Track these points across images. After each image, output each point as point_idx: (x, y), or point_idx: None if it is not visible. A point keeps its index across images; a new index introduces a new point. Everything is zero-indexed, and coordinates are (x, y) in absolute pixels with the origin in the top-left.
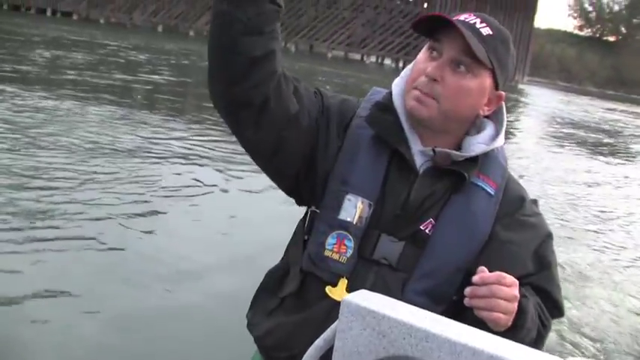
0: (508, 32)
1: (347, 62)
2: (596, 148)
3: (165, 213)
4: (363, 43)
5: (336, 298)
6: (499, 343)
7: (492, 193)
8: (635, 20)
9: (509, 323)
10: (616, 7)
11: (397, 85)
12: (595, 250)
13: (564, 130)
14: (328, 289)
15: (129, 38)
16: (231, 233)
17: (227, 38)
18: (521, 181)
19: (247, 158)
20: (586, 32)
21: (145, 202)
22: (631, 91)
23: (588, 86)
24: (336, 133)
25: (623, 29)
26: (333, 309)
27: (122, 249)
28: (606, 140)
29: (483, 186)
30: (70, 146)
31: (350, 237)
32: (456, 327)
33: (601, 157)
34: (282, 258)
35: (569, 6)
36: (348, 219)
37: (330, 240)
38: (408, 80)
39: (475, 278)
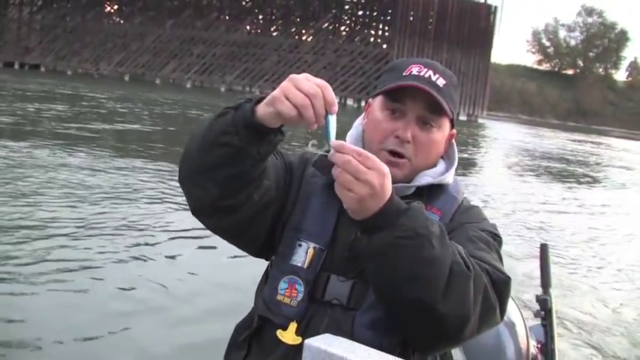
0: (453, 74)
1: None
2: (561, 176)
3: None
4: None
5: (287, 341)
6: None
7: (437, 218)
8: (590, 54)
9: (368, 213)
10: (572, 42)
11: (351, 135)
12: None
13: (527, 161)
14: (279, 332)
15: (112, 90)
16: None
17: (234, 169)
18: (486, 210)
19: None
20: (545, 66)
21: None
22: (591, 122)
23: (550, 119)
24: (297, 188)
25: (580, 62)
26: (289, 353)
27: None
28: (571, 168)
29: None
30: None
31: (300, 281)
32: None
33: (567, 184)
34: (251, 310)
35: (528, 42)
36: (299, 264)
37: (282, 285)
38: (373, 141)
39: (333, 142)
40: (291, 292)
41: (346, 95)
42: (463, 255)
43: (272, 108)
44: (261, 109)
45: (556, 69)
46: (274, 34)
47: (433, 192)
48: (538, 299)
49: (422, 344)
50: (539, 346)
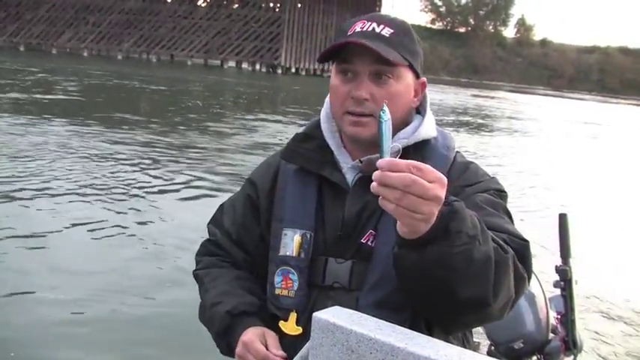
0: (405, 21)
1: (207, 69)
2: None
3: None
4: (220, 49)
5: (288, 332)
6: (461, 355)
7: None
8: (481, 12)
9: (427, 228)
10: (463, 1)
11: (323, 111)
12: None
13: (441, 115)
14: (281, 323)
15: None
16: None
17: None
18: None
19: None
20: (438, 25)
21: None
22: (482, 77)
23: (442, 75)
24: (270, 193)
25: (471, 20)
26: (295, 343)
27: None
28: (489, 122)
29: None
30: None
31: (293, 271)
32: (420, 340)
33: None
34: None
35: (421, 2)
36: (288, 253)
37: (277, 278)
38: (334, 107)
39: (380, 162)
40: (286, 284)
41: (241, 59)
42: (494, 237)
43: None
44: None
45: (448, 27)
46: (168, 0)
47: (419, 151)
48: (557, 270)
49: (456, 329)
50: (558, 317)
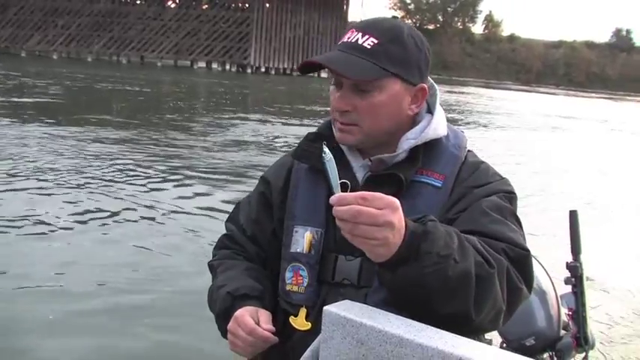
0: (399, 25)
1: (177, 69)
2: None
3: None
4: (190, 50)
5: (298, 327)
6: (469, 346)
7: (439, 185)
8: (449, 9)
9: (390, 252)
10: None
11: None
12: None
13: None
14: (291, 319)
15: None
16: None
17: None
18: None
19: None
20: (408, 22)
21: None
22: (452, 73)
23: None
24: (283, 192)
25: (440, 17)
26: (305, 338)
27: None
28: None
29: (427, 181)
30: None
31: (303, 267)
32: (428, 332)
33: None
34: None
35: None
36: (298, 250)
37: (288, 274)
38: (331, 114)
39: (331, 199)
40: (297, 280)
41: (211, 59)
42: (480, 249)
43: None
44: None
45: (417, 24)
46: (137, 2)
47: (429, 151)
48: (568, 266)
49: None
50: (569, 313)
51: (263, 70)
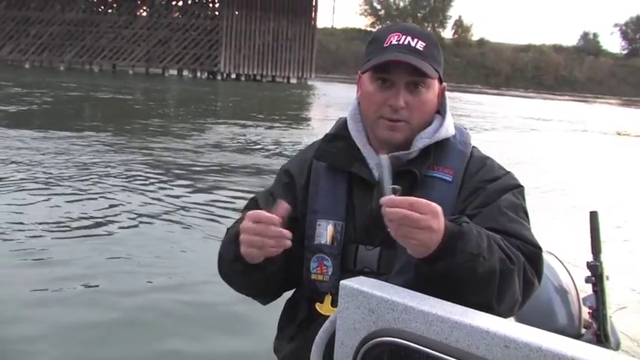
0: (432, 33)
1: (149, 77)
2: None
3: None
4: (161, 57)
5: (324, 312)
6: (464, 313)
7: (450, 179)
8: (419, 14)
9: (428, 251)
10: (401, 4)
11: (349, 111)
12: None
13: None
14: (317, 305)
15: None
16: None
17: (248, 279)
18: None
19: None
20: (378, 28)
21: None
22: None
23: None
24: (305, 188)
25: (410, 23)
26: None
27: None
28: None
29: (439, 176)
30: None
31: (327, 257)
32: (430, 301)
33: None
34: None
35: (360, 5)
36: (322, 241)
37: (313, 265)
38: (369, 111)
39: (381, 200)
40: (321, 269)
41: (182, 67)
42: (504, 247)
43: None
44: (241, 250)
45: None
46: (109, 11)
47: (439, 149)
48: (589, 266)
49: None
50: (590, 311)
51: (233, 76)
